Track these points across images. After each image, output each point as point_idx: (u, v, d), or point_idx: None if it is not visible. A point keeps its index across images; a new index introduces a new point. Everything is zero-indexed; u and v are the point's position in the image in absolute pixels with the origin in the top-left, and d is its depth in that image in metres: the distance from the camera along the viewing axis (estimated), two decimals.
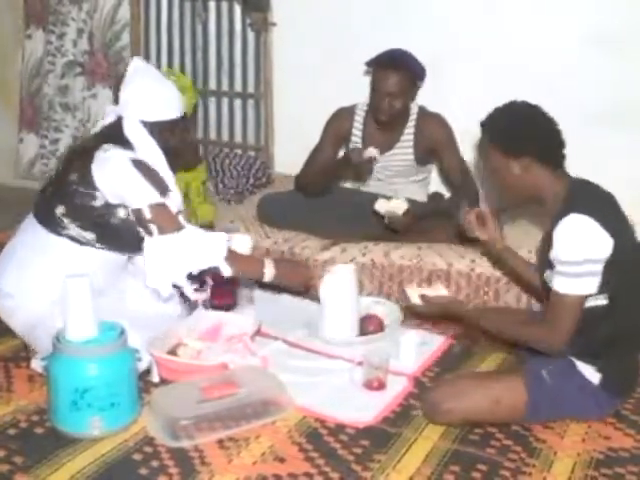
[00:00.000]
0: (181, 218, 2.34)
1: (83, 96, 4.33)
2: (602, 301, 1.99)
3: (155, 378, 2.31)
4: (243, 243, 2.78)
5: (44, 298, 2.27)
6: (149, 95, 2.33)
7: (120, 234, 2.31)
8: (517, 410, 2.05)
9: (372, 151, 2.95)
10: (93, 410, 1.99)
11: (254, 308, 2.83)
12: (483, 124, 2.09)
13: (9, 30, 4.59)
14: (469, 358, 2.54)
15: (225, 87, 4.15)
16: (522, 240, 2.97)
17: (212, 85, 4.18)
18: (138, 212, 2.25)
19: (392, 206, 2.88)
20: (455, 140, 3.08)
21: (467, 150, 3.11)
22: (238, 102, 4.13)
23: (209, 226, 3.20)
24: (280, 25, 3.84)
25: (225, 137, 4.22)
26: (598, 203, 2.00)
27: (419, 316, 2.66)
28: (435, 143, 3.07)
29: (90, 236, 2.30)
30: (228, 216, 3.36)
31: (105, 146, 2.29)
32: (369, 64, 3.04)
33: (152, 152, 2.34)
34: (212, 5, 4.06)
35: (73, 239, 2.29)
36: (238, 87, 4.11)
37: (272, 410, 2.14)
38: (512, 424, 2.09)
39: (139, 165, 2.27)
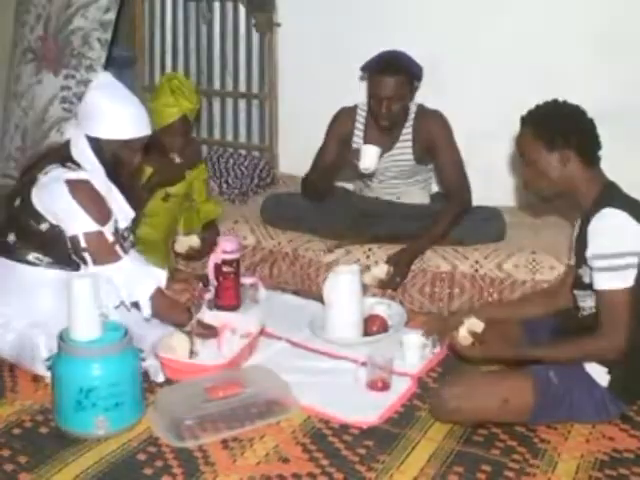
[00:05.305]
0: (118, 248, 2.26)
1: (29, 83, 4.06)
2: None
3: (160, 378, 2.31)
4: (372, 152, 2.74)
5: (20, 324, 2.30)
6: (100, 110, 2.24)
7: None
8: (524, 410, 2.04)
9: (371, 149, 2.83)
10: (97, 410, 1.99)
11: (258, 308, 2.84)
12: (524, 119, 2.11)
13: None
14: None
15: (229, 87, 4.15)
16: (526, 240, 2.98)
17: (216, 85, 4.18)
18: (73, 239, 2.24)
19: (374, 275, 2.84)
20: (453, 139, 3.02)
21: (466, 150, 3.09)
22: (242, 102, 4.13)
23: (211, 224, 3.18)
24: (284, 26, 3.85)
25: (229, 137, 4.22)
26: (630, 202, 2.03)
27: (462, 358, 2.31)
28: (432, 140, 3.00)
29: (46, 259, 2.30)
30: (232, 216, 3.36)
31: (47, 167, 2.27)
32: (364, 69, 2.98)
33: (95, 170, 2.28)
34: (217, 6, 4.07)
35: (30, 263, 2.30)
36: (242, 87, 4.11)
37: (276, 410, 2.14)
38: (517, 425, 2.09)
39: (76, 187, 2.22)
